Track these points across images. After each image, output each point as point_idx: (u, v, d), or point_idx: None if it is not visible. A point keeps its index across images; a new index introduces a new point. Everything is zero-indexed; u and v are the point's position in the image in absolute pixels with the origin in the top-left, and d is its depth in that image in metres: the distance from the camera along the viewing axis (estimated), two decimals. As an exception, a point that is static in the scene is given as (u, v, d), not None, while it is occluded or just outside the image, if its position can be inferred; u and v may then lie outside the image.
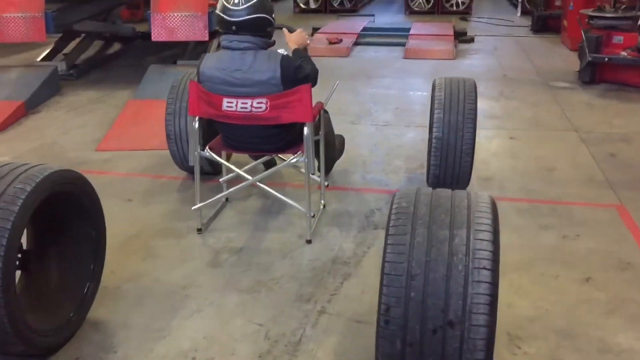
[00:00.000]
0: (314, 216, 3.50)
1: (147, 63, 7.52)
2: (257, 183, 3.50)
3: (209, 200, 3.55)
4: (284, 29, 3.58)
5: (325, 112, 3.98)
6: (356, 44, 9.74)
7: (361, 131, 5.44)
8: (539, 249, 3.37)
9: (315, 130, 3.62)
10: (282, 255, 3.31)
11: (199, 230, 3.54)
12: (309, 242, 3.44)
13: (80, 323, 2.68)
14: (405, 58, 8.75)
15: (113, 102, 6.36)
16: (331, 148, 4.12)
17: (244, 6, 3.07)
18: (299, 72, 3.20)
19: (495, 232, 1.99)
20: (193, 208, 3.51)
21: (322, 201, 3.87)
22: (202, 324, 2.73)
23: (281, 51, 3.60)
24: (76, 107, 6.27)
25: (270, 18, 3.18)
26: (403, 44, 9.36)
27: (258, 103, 3.17)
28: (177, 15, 6.67)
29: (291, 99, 3.17)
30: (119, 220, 3.70)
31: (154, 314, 2.79)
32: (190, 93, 3.31)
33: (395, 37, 10.03)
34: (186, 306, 2.85)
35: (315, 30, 10.45)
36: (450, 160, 3.80)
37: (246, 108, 3.19)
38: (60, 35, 7.90)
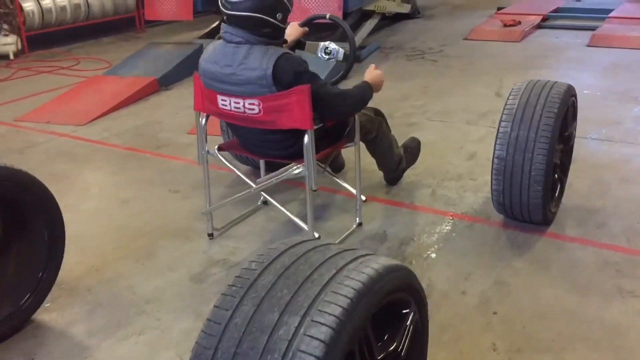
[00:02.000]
0: (319, 238, 2.99)
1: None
2: (262, 193, 3.08)
3: (219, 204, 3.24)
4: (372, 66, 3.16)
5: (378, 113, 3.40)
6: (539, 26, 8.55)
7: (472, 134, 4.66)
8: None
9: (353, 134, 3.10)
10: (274, 279, 2.88)
11: (210, 235, 3.26)
12: (312, 267, 2.95)
13: (27, 319, 2.58)
14: (588, 45, 7.43)
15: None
16: (387, 156, 3.52)
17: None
18: (300, 79, 2.69)
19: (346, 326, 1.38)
20: (202, 212, 3.23)
21: (357, 218, 3.33)
22: (131, 351, 2.45)
23: (330, 46, 3.15)
24: (203, 86, 6.35)
25: (269, 19, 2.68)
26: (594, 28, 7.96)
27: (250, 104, 2.75)
28: (312, -5, 6.38)
29: (287, 102, 2.69)
30: (148, 212, 3.58)
31: (94, 330, 2.58)
32: (194, 86, 3.00)
33: (590, 19, 8.60)
34: (132, 325, 2.60)
35: (498, 9, 9.44)
36: (515, 187, 3.01)
37: (239, 108, 2.79)
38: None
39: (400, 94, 5.74)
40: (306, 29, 3.32)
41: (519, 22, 8.38)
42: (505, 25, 8.28)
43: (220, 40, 2.80)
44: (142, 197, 3.79)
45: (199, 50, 6.85)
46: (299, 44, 3.33)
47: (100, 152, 4.64)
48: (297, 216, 3.27)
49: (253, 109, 2.75)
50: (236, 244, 3.21)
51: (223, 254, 3.12)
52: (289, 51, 2.76)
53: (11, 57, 7.96)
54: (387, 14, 8.69)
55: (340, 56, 3.27)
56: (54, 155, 4.59)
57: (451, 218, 3.38)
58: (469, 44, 7.82)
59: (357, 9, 7.48)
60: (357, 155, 3.23)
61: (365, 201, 3.44)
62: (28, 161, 4.49)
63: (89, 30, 9.06)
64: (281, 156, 3.00)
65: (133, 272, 2.99)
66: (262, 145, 2.99)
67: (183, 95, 6.04)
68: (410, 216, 3.43)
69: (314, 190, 2.87)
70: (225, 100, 2.81)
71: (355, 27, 7.60)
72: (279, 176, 3.01)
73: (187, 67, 6.63)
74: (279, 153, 2.98)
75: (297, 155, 2.93)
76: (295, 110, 2.69)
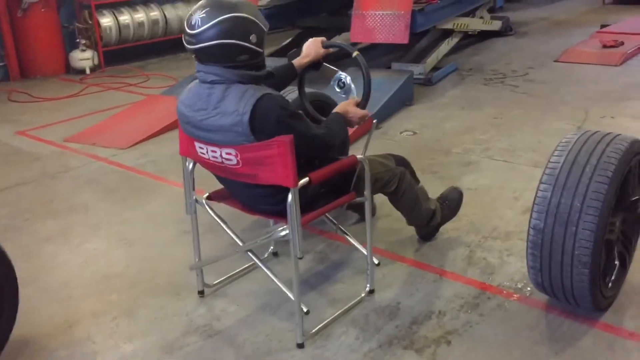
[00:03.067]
0: (307, 312, 2.54)
1: (378, 64, 6.95)
2: (249, 253, 2.67)
3: (207, 261, 2.86)
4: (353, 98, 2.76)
5: (401, 162, 2.91)
6: (649, 48, 7.59)
7: (535, 180, 3.99)
8: None
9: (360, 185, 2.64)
10: (253, 358, 2.47)
11: (200, 293, 2.89)
12: (300, 346, 2.50)
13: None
14: (703, 72, 6.45)
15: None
16: (412, 211, 3.02)
17: (201, 28, 2.25)
18: (283, 126, 2.28)
19: None
20: (190, 267, 2.87)
21: (368, 284, 2.83)
22: None
23: (346, 80, 2.73)
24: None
25: (242, 44, 2.29)
26: None
27: (227, 154, 2.35)
28: (378, 14, 5.92)
29: (267, 154, 2.27)
30: (147, 259, 3.29)
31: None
32: (179, 127, 2.65)
33: None
34: (76, 405, 2.27)
35: (602, 27, 8.53)
36: (555, 265, 2.41)
37: (217, 158, 2.41)
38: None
39: (464, 126, 5.15)
40: (329, 50, 2.88)
41: (622, 43, 7.44)
42: (604, 47, 7.39)
43: (196, 81, 2.43)
44: (150, 239, 3.49)
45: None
46: (314, 64, 2.89)
47: (128, 181, 4.42)
48: (307, 272, 2.86)
49: (231, 160, 2.35)
50: (226, 306, 2.81)
51: (207, 318, 2.74)
52: (271, 92, 2.33)
53: (87, 72, 8.07)
54: (470, 32, 8.05)
55: (350, 97, 2.82)
56: (82, 183, 4.42)
57: (484, 292, 2.81)
58: (560, 67, 7.03)
59: (433, 28, 6.93)
60: (368, 211, 2.74)
61: (378, 264, 2.93)
62: (55, 188, 4.35)
63: (167, 45, 9.06)
64: (272, 212, 2.57)
65: (105, 333, 2.67)
66: (250, 199, 2.59)
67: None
68: (435, 285, 2.89)
69: (300, 258, 2.42)
70: (202, 148, 2.44)
71: (432, 46, 7.06)
72: (264, 237, 2.59)
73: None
74: (269, 209, 2.56)
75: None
76: (277, 164, 2.27)
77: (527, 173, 4.10)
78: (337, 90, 2.87)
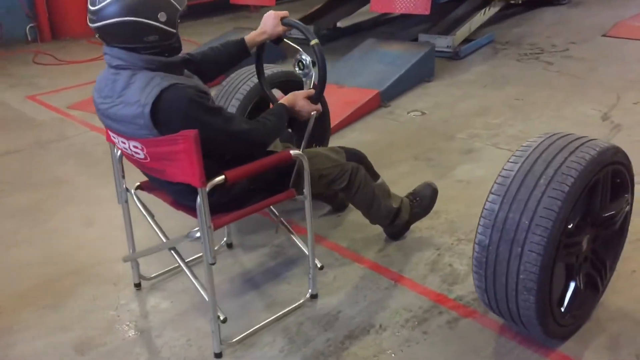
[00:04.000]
0: (224, 321, 2.33)
1: (406, 35, 6.58)
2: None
3: (142, 252, 2.68)
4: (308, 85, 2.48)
5: (354, 156, 2.63)
6: None
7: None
8: None
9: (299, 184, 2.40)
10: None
11: (137, 285, 2.74)
12: (217, 355, 2.31)
13: None
14: None
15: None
16: (370, 209, 2.75)
17: (102, 4, 2.00)
18: (191, 119, 2.03)
19: None
20: (123, 258, 2.70)
21: (310, 289, 2.60)
22: None
23: (306, 60, 2.49)
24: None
25: (150, 22, 2.03)
26: None
27: (134, 147, 2.14)
28: (399, -18, 5.52)
29: (173, 150, 2.04)
30: (102, 241, 3.16)
31: None
32: (104, 113, 2.45)
33: None
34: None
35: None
36: (500, 288, 2.11)
37: (127, 150, 2.20)
38: None
39: (480, 106, 4.75)
40: (288, 28, 2.59)
41: (681, 17, 6.75)
42: (660, 20, 6.72)
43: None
44: (112, 220, 3.33)
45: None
46: (275, 41, 2.61)
47: (114, 154, 4.29)
48: (257, 267, 2.67)
49: (138, 153, 2.14)
50: (158, 302, 2.65)
51: (135, 314, 2.58)
52: (182, 81, 2.08)
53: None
54: (513, 1, 7.47)
55: (310, 80, 2.54)
56: (70, 154, 4.33)
57: (437, 305, 2.53)
58: (606, 42, 6.43)
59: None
60: (308, 211, 2.48)
61: (321, 268, 2.68)
62: (43, 158, 4.28)
63: (201, 8, 8.86)
64: (194, 209, 2.35)
65: (28, 324, 2.55)
66: (174, 194, 2.39)
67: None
68: (387, 293, 2.62)
69: (211, 264, 2.20)
70: (114, 138, 2.24)
71: (467, 15, 6.58)
72: (179, 237, 2.38)
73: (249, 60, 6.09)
74: (192, 205, 2.34)
75: (215, 210, 2.28)
76: (183, 161, 2.04)
77: (530, 165, 3.71)
78: (297, 71, 2.59)
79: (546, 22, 7.43)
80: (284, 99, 2.42)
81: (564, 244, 2.05)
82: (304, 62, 2.57)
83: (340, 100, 4.75)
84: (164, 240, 2.45)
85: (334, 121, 4.38)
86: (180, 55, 2.20)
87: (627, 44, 6.25)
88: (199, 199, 2.08)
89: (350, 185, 2.63)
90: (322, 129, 3.52)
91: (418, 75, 5.33)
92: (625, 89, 4.90)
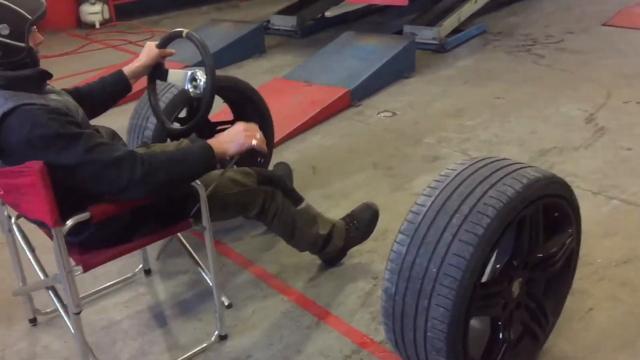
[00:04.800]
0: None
1: (395, 26, 6.20)
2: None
3: (32, 285, 2.39)
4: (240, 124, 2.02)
5: (270, 179, 2.31)
6: None
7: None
8: None
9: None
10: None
11: (32, 321, 2.45)
12: (97, 410, 2.02)
13: None
14: None
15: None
16: (292, 237, 2.43)
17: None
18: (40, 148, 1.70)
19: None
20: (13, 292, 2.42)
21: (217, 331, 2.29)
22: None
23: (198, 74, 2.19)
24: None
25: None
26: None
27: (-18, 177, 1.84)
28: (377, -29, 5.15)
29: (20, 183, 1.74)
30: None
31: None
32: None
33: None
34: None
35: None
36: (409, 343, 1.79)
37: (-20, 179, 1.90)
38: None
39: (456, 106, 4.38)
40: (169, 50, 2.31)
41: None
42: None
43: None
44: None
45: (255, 32, 5.99)
46: (159, 73, 2.32)
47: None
48: (169, 299, 2.37)
49: (-9, 185, 1.85)
50: (50, 342, 2.36)
51: (21, 356, 2.30)
52: (29, 102, 1.77)
53: (97, 26, 7.75)
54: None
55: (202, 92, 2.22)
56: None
57: (360, 349, 2.21)
58: (606, 32, 5.99)
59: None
60: (209, 245, 2.17)
61: (229, 306, 2.36)
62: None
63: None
64: (72, 243, 2.05)
65: None
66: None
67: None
68: (306, 333, 2.30)
69: (76, 313, 1.90)
70: (-31, 164, 1.94)
71: (457, 4, 6.18)
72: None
73: (232, 51, 5.79)
74: (71, 240, 2.04)
75: (94, 245, 1.99)
76: (32, 197, 1.74)
77: (498, 176, 3.35)
78: (193, 92, 2.26)
79: (545, 10, 6.99)
80: (214, 140, 1.97)
81: (483, 295, 1.71)
82: (197, 77, 2.24)
83: (306, 99, 4.43)
84: (42, 277, 2.15)
85: (296, 122, 4.07)
86: (38, 68, 1.88)
87: (628, 34, 5.80)
88: (54, 241, 1.78)
89: (265, 212, 2.31)
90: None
91: (396, 71, 4.97)
92: (617, 86, 4.49)
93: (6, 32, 1.75)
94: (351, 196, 3.24)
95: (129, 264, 2.71)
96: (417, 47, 5.33)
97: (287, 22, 6.71)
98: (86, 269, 1.92)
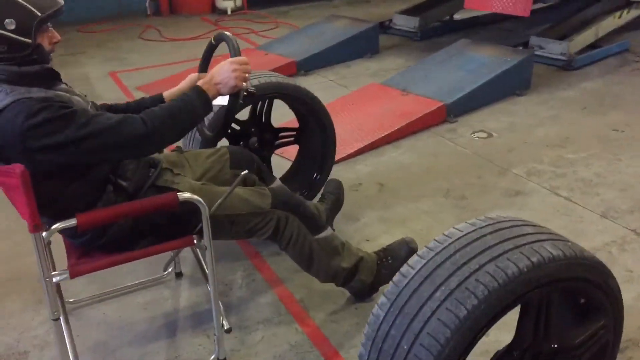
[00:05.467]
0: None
1: (526, 35, 5.77)
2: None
3: None
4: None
5: (286, 202, 2.16)
6: None
7: (591, 236, 2.85)
8: None
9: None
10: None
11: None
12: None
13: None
14: None
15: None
16: (309, 267, 2.27)
17: None
18: (35, 138, 1.69)
19: None
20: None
21: (215, 353, 2.18)
22: None
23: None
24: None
25: None
26: None
27: (-14, 170, 1.86)
28: (498, -25, 4.76)
29: (10, 183, 1.73)
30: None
31: None
32: None
33: None
34: None
35: None
36: None
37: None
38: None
39: (562, 135, 3.93)
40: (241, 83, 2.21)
41: None
42: None
43: None
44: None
45: (370, 31, 5.80)
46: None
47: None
48: (184, 311, 2.33)
49: (-9, 179, 1.86)
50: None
51: (36, 342, 2.35)
52: (32, 95, 1.74)
53: (229, 12, 7.95)
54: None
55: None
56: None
57: (355, 403, 2.01)
58: None
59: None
60: (210, 264, 2.06)
61: (228, 331, 2.23)
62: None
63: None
64: (74, 244, 2.04)
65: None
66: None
67: (313, 83, 5.13)
68: (304, 373, 2.14)
69: (55, 319, 1.87)
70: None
71: (598, 17, 5.57)
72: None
73: (342, 50, 5.64)
74: (72, 241, 2.03)
75: (91, 250, 1.97)
76: (18, 198, 1.72)
77: (583, 224, 2.93)
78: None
79: None
80: (205, 82, 1.96)
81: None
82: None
83: (397, 109, 4.19)
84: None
85: (379, 133, 3.86)
86: (45, 66, 1.85)
87: None
88: (34, 247, 1.75)
89: (279, 237, 2.16)
90: (322, 153, 3.05)
91: (506, 88, 4.57)
92: None
93: (12, 27, 1.73)
94: (409, 224, 2.99)
95: (162, 263, 2.68)
96: (541, 62, 4.86)
97: (409, 23, 6.44)
98: (73, 275, 1.88)
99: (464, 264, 1.44)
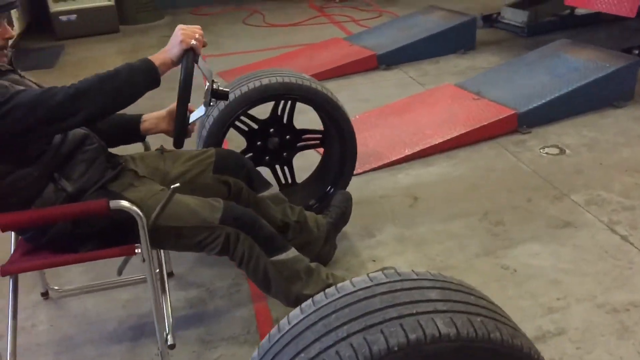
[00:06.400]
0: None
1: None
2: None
3: None
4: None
5: (239, 217, 2.00)
6: None
7: (627, 281, 2.39)
8: None
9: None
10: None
11: (44, 294, 2.53)
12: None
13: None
14: None
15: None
16: (267, 289, 2.09)
17: None
18: None
19: None
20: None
21: (159, 368, 2.08)
22: None
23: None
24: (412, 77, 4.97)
25: None
26: None
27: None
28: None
29: None
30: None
31: None
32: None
33: None
34: None
35: None
36: None
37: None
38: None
39: (631, 162, 3.37)
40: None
41: None
42: None
43: None
44: None
45: (466, 25, 5.39)
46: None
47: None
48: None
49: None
50: (41, 322, 2.40)
51: (12, 327, 2.39)
52: None
53: (337, -1, 7.78)
54: None
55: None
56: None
57: None
58: None
59: None
60: (148, 274, 1.94)
61: (172, 347, 2.09)
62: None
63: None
64: (24, 240, 2.02)
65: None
66: None
67: (390, 79, 4.85)
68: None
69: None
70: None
71: None
72: None
73: (432, 44, 5.28)
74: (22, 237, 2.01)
75: (37, 248, 1.94)
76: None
77: (631, 272, 2.47)
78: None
79: None
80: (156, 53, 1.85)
81: None
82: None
83: (463, 114, 3.83)
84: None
85: (435, 140, 3.55)
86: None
87: None
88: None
89: (231, 255, 2.00)
90: (340, 165, 2.83)
91: (600, 97, 4.01)
92: None
93: None
94: (426, 247, 2.70)
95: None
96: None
97: (517, 17, 5.90)
98: (3, 273, 1.86)
99: (335, 328, 1.20)
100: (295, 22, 6.88)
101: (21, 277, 2.49)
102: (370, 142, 3.66)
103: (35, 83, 1.94)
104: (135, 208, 1.81)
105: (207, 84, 2.03)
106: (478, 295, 1.28)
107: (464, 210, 2.97)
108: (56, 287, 2.55)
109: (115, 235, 1.92)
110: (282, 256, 2.02)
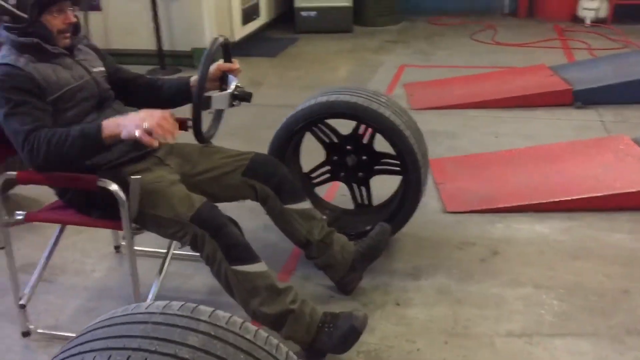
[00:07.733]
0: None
1: None
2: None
3: None
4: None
5: (204, 218, 2.09)
6: None
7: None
8: None
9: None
10: None
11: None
12: None
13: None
14: None
15: None
16: (230, 293, 2.14)
17: None
18: None
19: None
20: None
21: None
22: None
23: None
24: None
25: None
26: None
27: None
28: None
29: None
30: None
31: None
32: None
33: None
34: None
35: None
36: None
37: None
38: None
39: None
40: (227, 65, 2.27)
41: None
42: None
43: None
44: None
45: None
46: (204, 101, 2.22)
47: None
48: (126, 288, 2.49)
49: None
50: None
51: None
52: (5, 62, 2.05)
53: (587, 22, 7.06)
54: None
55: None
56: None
57: None
58: None
59: None
60: (130, 252, 2.12)
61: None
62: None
63: None
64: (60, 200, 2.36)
65: None
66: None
67: (576, 119, 4.32)
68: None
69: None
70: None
71: None
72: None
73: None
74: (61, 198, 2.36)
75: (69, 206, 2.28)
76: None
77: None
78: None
79: None
80: (114, 120, 1.96)
81: None
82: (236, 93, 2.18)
83: (615, 175, 3.27)
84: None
85: (556, 197, 3.13)
86: (33, 39, 2.12)
87: None
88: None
89: (200, 253, 2.08)
90: (399, 201, 2.71)
91: None
92: None
93: (13, 2, 2.08)
94: (462, 309, 2.44)
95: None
96: None
97: None
98: (27, 220, 2.22)
99: (89, 341, 1.24)
100: (524, 43, 6.45)
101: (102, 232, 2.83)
102: (492, 182, 3.36)
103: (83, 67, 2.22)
104: (119, 192, 2.00)
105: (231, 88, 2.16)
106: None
107: (537, 281, 2.59)
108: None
109: (112, 210, 2.14)
110: (245, 267, 2.03)
